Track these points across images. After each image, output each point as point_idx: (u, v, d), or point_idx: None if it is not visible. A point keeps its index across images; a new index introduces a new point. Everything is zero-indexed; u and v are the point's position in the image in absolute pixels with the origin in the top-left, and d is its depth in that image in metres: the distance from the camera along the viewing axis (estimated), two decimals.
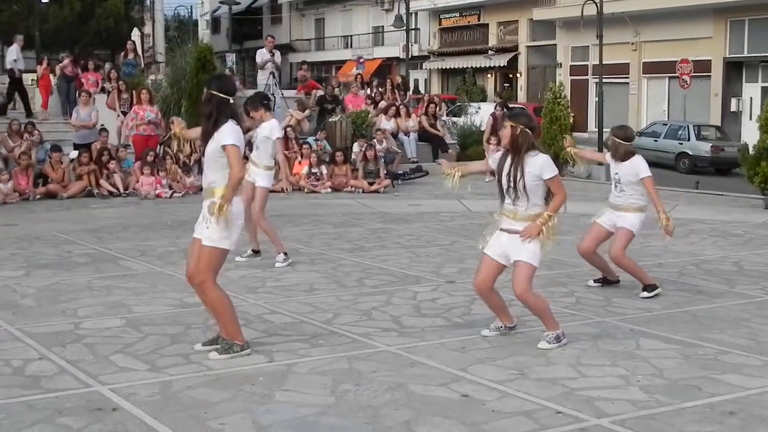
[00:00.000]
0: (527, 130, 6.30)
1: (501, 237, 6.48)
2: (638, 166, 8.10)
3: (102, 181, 15.96)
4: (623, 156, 8.15)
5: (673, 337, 6.72)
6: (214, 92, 6.07)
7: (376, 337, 6.67)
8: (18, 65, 22.00)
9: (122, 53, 22.95)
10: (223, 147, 5.95)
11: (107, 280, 8.69)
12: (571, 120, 22.19)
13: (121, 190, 15.92)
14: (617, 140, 8.19)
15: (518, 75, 43.03)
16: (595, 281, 8.61)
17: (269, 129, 9.39)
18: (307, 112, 20.61)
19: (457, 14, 45.90)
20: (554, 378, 5.72)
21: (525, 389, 5.51)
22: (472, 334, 6.73)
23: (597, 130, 28.64)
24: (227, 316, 6.09)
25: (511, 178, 6.29)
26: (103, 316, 7.31)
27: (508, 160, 6.36)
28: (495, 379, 5.69)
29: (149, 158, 16.10)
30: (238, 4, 45.30)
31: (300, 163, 17.42)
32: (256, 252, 9.82)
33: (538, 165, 6.26)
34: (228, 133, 5.98)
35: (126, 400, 5.26)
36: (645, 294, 8.11)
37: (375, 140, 18.78)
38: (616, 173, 8.21)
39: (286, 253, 9.61)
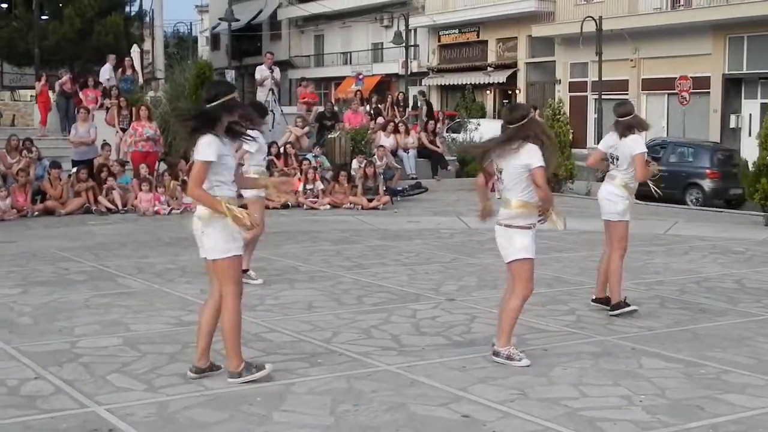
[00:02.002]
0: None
1: None
2: (635, 141, 8.07)
3: (100, 198, 15.93)
4: (622, 132, 8.11)
5: (675, 356, 6.66)
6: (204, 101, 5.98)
7: (375, 356, 6.61)
8: (111, 83, 22.09)
9: (120, 69, 22.98)
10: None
11: (105, 298, 8.63)
12: (571, 136, 22.21)
13: (120, 207, 15.89)
14: (616, 117, 8.17)
15: (517, 91, 43.04)
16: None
17: None
18: (306, 128, 20.61)
19: (457, 31, 45.95)
20: (556, 398, 5.66)
21: (526, 409, 5.45)
22: (472, 353, 6.67)
23: (596, 146, 28.62)
24: None
25: None
26: (100, 334, 7.25)
27: None
28: (496, 399, 5.63)
29: (143, 172, 16.12)
30: (238, 20, 45.35)
31: (300, 179, 17.40)
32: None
33: None
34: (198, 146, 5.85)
35: (123, 421, 5.19)
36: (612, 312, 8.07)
37: (375, 157, 18.77)
38: (614, 149, 8.13)
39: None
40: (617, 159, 8.12)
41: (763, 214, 15.09)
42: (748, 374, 6.23)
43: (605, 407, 5.51)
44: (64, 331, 7.32)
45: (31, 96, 24.41)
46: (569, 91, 39.43)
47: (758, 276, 10.18)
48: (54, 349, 6.73)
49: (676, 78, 31.91)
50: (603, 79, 32.08)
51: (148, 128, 17.40)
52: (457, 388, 5.85)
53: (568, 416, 5.34)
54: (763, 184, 15.00)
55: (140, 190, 15.97)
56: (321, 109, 22.65)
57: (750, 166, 16.35)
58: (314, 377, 6.07)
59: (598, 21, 31.35)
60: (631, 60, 36.48)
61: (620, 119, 8.12)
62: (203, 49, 65.01)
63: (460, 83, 44.45)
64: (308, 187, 17.15)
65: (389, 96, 25.61)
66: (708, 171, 21.98)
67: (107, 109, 20.15)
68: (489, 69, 43.64)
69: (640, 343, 7.05)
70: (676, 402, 5.62)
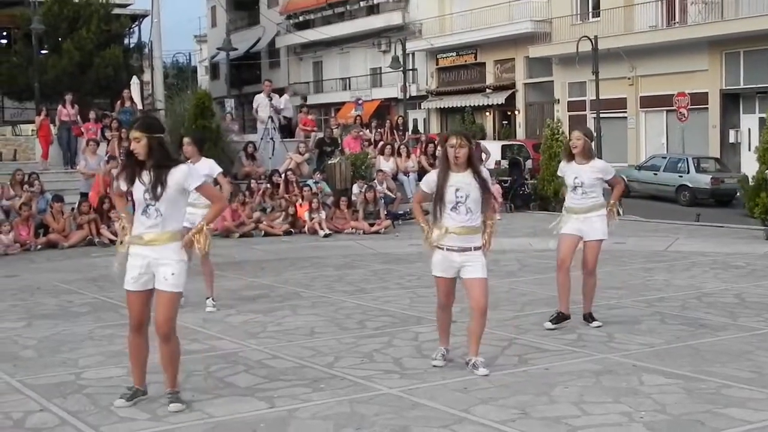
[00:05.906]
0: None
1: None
2: (606, 165, 8.41)
3: (103, 230, 15.99)
4: (588, 156, 8.23)
5: (675, 372, 6.69)
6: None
7: (377, 380, 6.64)
8: (284, 113, 22.58)
9: (119, 102, 23.08)
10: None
11: (108, 329, 8.67)
12: None
13: None
14: (588, 139, 8.24)
15: (516, 112, 43.19)
16: (553, 322, 8.34)
17: (209, 167, 8.95)
18: (306, 155, 20.71)
19: (454, 54, 46.16)
20: (557, 417, 5.69)
21: (528, 429, 5.48)
22: (474, 374, 6.69)
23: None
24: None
25: None
26: (104, 365, 7.28)
27: None
28: (498, 419, 5.66)
29: None
30: (236, 50, 45.55)
31: (301, 206, 17.46)
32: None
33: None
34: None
35: None
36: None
37: (375, 181, 18.84)
38: (576, 177, 8.22)
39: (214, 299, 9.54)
40: (582, 185, 8.25)
41: (763, 228, 15.12)
42: (749, 388, 6.25)
43: (606, 424, 5.53)
44: (68, 363, 7.36)
45: (32, 130, 24.53)
46: (568, 111, 39.54)
47: (759, 290, 10.20)
48: (58, 381, 6.77)
49: (674, 95, 32.03)
50: (601, 97, 32.18)
51: None
52: (459, 409, 5.88)
53: None
54: (763, 198, 15.05)
55: None
56: (321, 135, 22.77)
57: (749, 180, 16.39)
58: (317, 402, 6.10)
59: (593, 40, 31.49)
60: (629, 78, 36.60)
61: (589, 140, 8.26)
62: (202, 79, 65.33)
63: (459, 105, 44.63)
64: (313, 216, 17.19)
65: (388, 120, 25.70)
66: None
67: (108, 141, 20.27)
68: (488, 91, 43.79)
69: (641, 360, 7.07)
70: (676, 417, 5.64)
